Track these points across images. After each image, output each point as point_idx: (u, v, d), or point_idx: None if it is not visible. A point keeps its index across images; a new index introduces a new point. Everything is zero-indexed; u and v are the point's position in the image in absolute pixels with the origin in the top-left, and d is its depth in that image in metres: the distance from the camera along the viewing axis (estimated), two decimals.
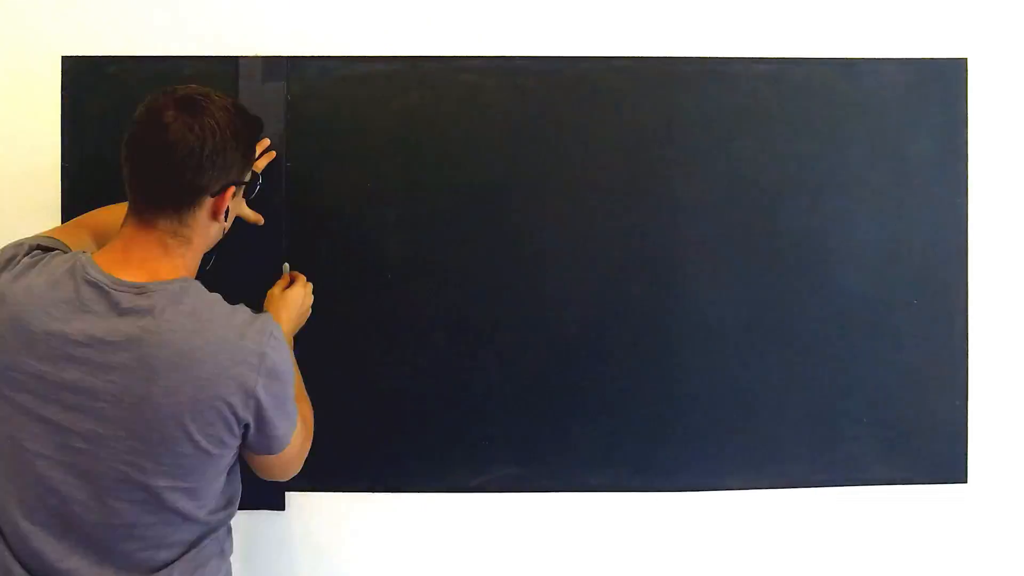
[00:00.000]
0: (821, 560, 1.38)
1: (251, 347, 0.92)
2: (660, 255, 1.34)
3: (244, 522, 1.35)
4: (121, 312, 0.89)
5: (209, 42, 1.31)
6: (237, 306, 0.96)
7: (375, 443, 1.33)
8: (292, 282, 1.24)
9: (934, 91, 1.36)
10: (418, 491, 1.34)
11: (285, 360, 0.96)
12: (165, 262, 0.94)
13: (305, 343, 1.27)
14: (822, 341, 1.35)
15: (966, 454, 1.37)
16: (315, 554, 1.36)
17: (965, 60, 1.36)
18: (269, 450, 0.99)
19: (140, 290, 0.91)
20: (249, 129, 1.00)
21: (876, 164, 1.35)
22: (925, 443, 1.37)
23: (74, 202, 1.30)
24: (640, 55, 1.34)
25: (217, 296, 0.96)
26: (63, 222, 1.30)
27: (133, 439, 0.88)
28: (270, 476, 1.05)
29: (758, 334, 1.35)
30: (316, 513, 1.35)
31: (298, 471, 1.09)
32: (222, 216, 0.99)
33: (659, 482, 1.35)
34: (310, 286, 1.25)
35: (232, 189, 0.98)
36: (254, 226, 1.22)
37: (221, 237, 1.05)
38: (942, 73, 1.36)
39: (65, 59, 1.30)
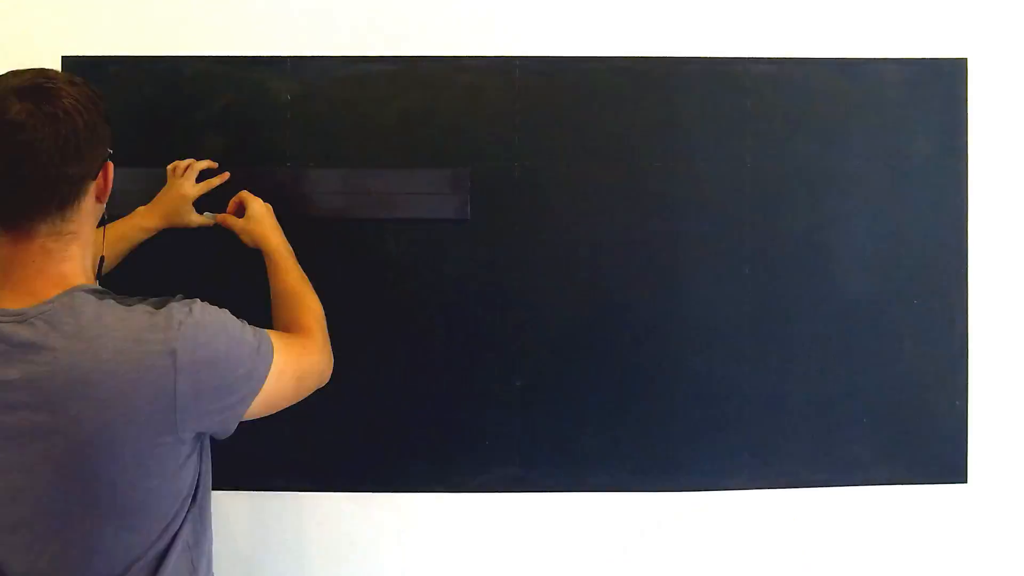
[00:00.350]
0: (821, 560, 1.38)
1: (156, 349, 0.80)
2: (660, 255, 1.34)
3: (238, 521, 1.35)
4: (4, 349, 0.78)
5: (209, 42, 1.31)
6: (133, 306, 0.83)
7: (375, 443, 1.33)
8: (241, 207, 1.21)
9: (934, 91, 1.36)
10: (418, 491, 1.34)
11: (208, 334, 0.84)
12: (51, 272, 0.83)
13: None
14: (822, 341, 1.35)
15: (966, 454, 1.37)
16: (315, 554, 1.36)
17: (965, 60, 1.36)
18: (239, 415, 0.88)
19: (20, 317, 0.79)
20: (101, 97, 0.87)
21: (876, 164, 1.35)
22: (925, 443, 1.37)
23: None
24: (640, 55, 1.34)
25: (107, 302, 0.83)
26: None
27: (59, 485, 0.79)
28: (288, 404, 0.96)
29: (758, 334, 1.35)
30: (316, 513, 1.35)
31: (321, 378, 1.03)
32: (107, 194, 0.88)
33: (659, 482, 1.35)
34: (252, 195, 1.22)
35: (110, 163, 0.87)
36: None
37: (103, 218, 0.93)
38: (942, 73, 1.36)
39: (65, 59, 1.30)
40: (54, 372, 0.77)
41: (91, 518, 0.80)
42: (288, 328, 1.06)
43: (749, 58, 1.34)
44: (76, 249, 0.85)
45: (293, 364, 0.95)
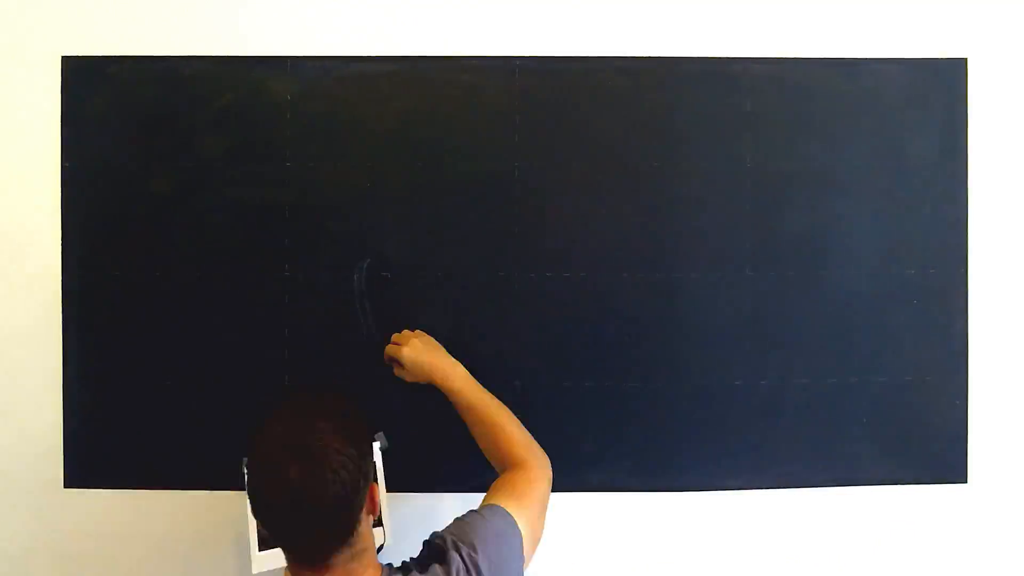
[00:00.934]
0: (821, 560, 1.38)
1: None
2: (660, 255, 1.34)
3: (238, 520, 1.35)
4: None
5: (209, 42, 1.31)
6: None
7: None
8: (394, 359, 1.25)
9: (934, 91, 1.36)
10: (418, 491, 1.34)
11: (490, 554, 0.97)
12: None
13: (306, 343, 1.27)
14: (822, 341, 1.35)
15: (966, 454, 1.37)
16: None
17: (965, 60, 1.36)
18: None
19: None
20: (360, 426, 0.96)
21: (876, 164, 1.35)
22: (925, 443, 1.37)
23: (74, 202, 1.31)
24: (640, 55, 1.34)
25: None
26: (63, 222, 1.31)
27: None
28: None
29: (758, 334, 1.35)
30: None
31: (551, 485, 1.14)
32: (379, 510, 1.00)
33: (659, 482, 1.35)
34: (398, 337, 1.26)
35: (374, 485, 0.95)
36: (253, 228, 1.23)
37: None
38: (942, 73, 1.36)
39: (65, 59, 1.30)
40: None
41: None
42: (504, 464, 1.13)
43: (749, 58, 1.34)
44: (368, 558, 0.93)
45: (534, 512, 1.07)
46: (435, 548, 0.98)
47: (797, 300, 1.35)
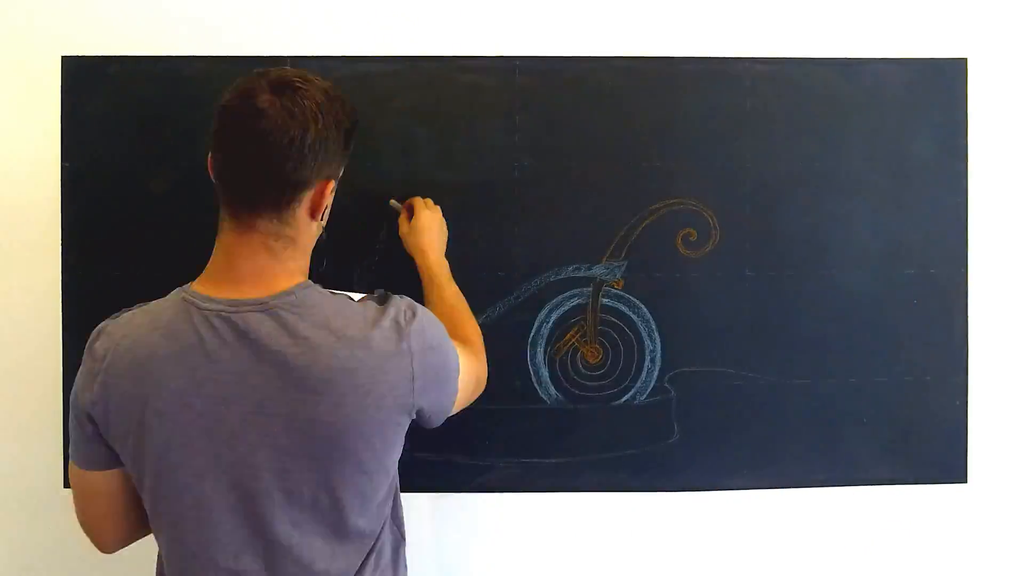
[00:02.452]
0: (821, 560, 1.38)
1: (394, 336, 0.87)
2: (660, 255, 1.34)
3: None
4: (252, 338, 0.84)
5: (209, 42, 1.31)
6: (354, 300, 0.90)
7: None
8: (411, 210, 1.23)
9: (934, 91, 1.36)
10: (418, 491, 1.34)
11: (429, 322, 0.92)
12: (277, 268, 0.88)
13: None
14: (822, 341, 1.35)
15: (966, 454, 1.37)
16: None
17: (965, 60, 1.36)
18: (451, 404, 0.95)
19: (263, 306, 0.85)
20: (349, 118, 0.91)
21: (876, 164, 1.35)
22: (925, 443, 1.37)
23: (74, 202, 1.31)
24: (640, 55, 1.34)
25: (340, 296, 0.90)
26: (63, 222, 1.30)
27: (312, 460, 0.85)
28: (460, 408, 1.02)
29: (758, 334, 1.35)
30: None
31: (482, 387, 1.09)
32: (320, 215, 0.91)
33: (659, 482, 1.35)
34: (429, 202, 1.24)
35: (331, 184, 0.90)
36: None
37: (316, 242, 0.96)
38: (942, 73, 1.36)
39: (65, 59, 1.30)
40: (311, 361, 0.82)
41: (330, 505, 0.87)
42: (455, 340, 1.09)
43: (749, 58, 1.34)
44: (296, 253, 0.89)
45: (473, 371, 1.02)
46: (380, 295, 0.95)
47: (797, 300, 1.35)
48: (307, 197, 0.88)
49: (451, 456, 1.33)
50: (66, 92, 1.30)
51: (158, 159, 1.31)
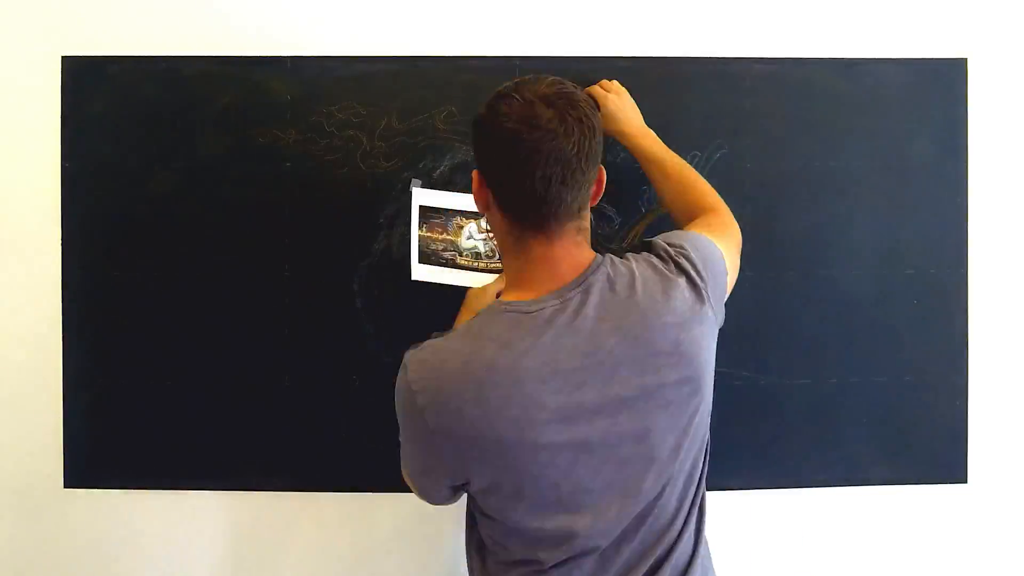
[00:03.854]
0: (821, 560, 1.38)
1: (686, 268, 0.92)
2: None
3: (238, 521, 1.35)
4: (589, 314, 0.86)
5: (209, 42, 1.31)
6: (631, 262, 0.93)
7: (375, 443, 1.32)
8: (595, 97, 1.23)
9: (934, 91, 1.36)
10: None
11: (689, 243, 0.96)
12: (584, 252, 0.91)
13: (306, 340, 1.27)
14: (822, 341, 1.35)
15: (966, 454, 1.37)
16: (315, 554, 1.36)
17: (965, 60, 1.36)
18: (725, 295, 0.99)
19: (584, 285, 0.88)
20: (596, 103, 0.96)
21: (876, 164, 1.35)
22: (925, 443, 1.37)
23: (74, 202, 1.31)
24: (640, 55, 1.34)
25: (624, 262, 0.93)
26: (63, 222, 1.31)
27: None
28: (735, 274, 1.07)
29: (758, 334, 1.35)
30: (316, 513, 1.35)
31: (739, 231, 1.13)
32: (601, 192, 0.93)
33: None
34: (613, 84, 1.26)
35: (602, 167, 0.92)
36: (253, 228, 1.22)
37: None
38: (942, 73, 1.36)
39: (65, 59, 1.30)
40: (641, 311, 0.87)
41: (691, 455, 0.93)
42: (693, 213, 1.11)
43: (749, 58, 1.34)
44: (587, 238, 0.92)
45: (732, 247, 1.05)
46: (641, 245, 0.99)
47: (797, 300, 1.35)
48: (594, 186, 0.91)
49: None
50: (66, 92, 1.30)
51: (158, 159, 1.31)
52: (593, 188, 0.91)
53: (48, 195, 1.31)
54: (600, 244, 1.32)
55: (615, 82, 1.27)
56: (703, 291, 0.91)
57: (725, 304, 0.98)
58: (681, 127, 1.34)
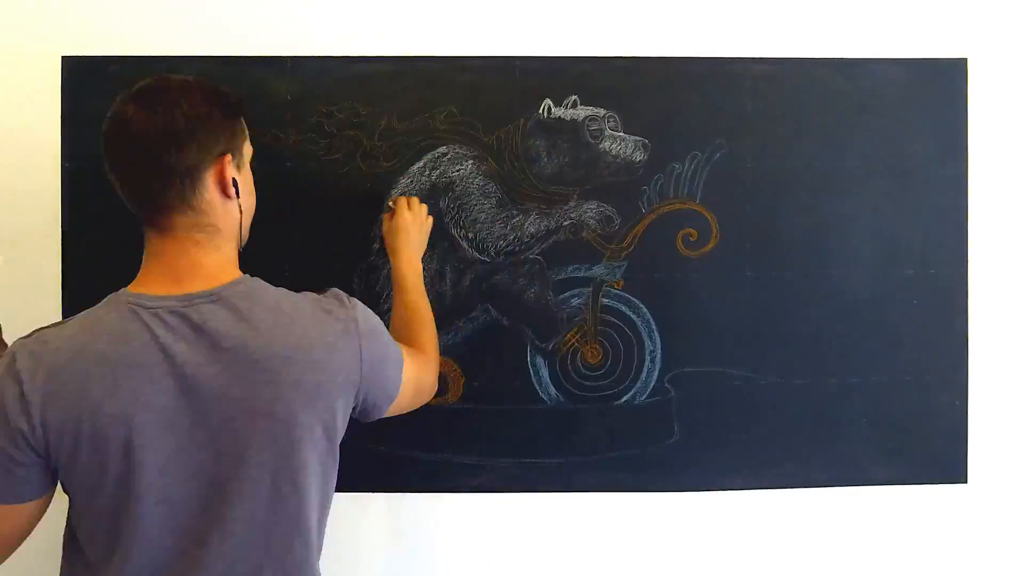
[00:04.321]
0: (821, 560, 1.38)
1: (341, 322, 0.89)
2: (660, 255, 1.34)
3: None
4: (209, 329, 0.84)
5: (209, 42, 1.31)
6: (291, 293, 0.92)
7: (375, 443, 1.33)
8: (394, 211, 1.23)
9: (934, 91, 1.36)
10: (418, 491, 1.34)
11: (370, 314, 0.94)
12: (212, 258, 0.89)
13: None
14: (822, 341, 1.35)
15: (966, 454, 1.37)
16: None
17: (965, 60, 1.36)
18: (391, 398, 0.96)
19: (214, 297, 0.86)
20: (220, 96, 0.92)
21: (876, 164, 1.35)
22: (925, 443, 1.37)
23: (74, 202, 1.31)
24: (640, 55, 1.34)
25: (278, 288, 0.92)
26: (63, 222, 1.30)
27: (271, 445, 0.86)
28: (401, 412, 1.03)
29: (758, 334, 1.35)
30: None
31: (429, 396, 1.11)
32: (232, 190, 0.90)
33: (659, 482, 1.35)
34: (414, 201, 1.24)
35: (227, 157, 0.89)
36: (253, 228, 1.22)
37: (248, 218, 0.96)
38: (942, 73, 1.36)
39: (65, 59, 1.30)
40: (269, 342, 0.84)
41: (291, 491, 0.88)
42: (406, 344, 1.08)
43: (749, 58, 1.34)
44: (222, 241, 0.90)
45: (415, 375, 1.03)
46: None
47: (797, 300, 1.35)
48: (209, 179, 0.88)
49: (451, 456, 1.33)
50: (66, 92, 1.30)
51: None
52: (209, 175, 0.88)
53: (48, 195, 1.31)
54: (600, 244, 1.32)
55: (424, 207, 1.25)
56: (358, 350, 0.89)
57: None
58: (681, 127, 1.34)
